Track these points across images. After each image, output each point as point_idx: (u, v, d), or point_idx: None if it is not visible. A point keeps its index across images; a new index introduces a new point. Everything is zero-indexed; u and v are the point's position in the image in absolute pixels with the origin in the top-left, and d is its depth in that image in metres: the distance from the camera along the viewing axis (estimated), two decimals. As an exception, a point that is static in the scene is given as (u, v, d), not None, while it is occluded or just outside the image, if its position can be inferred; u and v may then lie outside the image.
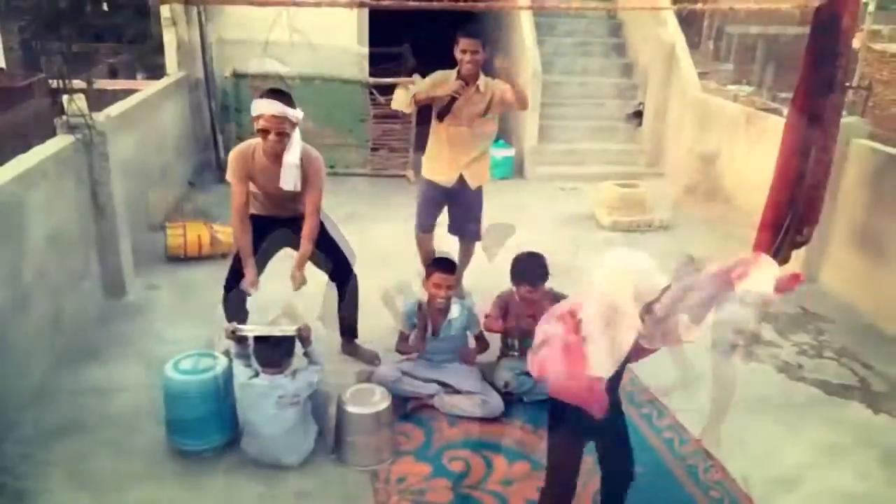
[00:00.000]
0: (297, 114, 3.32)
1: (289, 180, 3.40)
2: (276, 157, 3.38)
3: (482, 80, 4.19)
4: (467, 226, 4.46)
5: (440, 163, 4.31)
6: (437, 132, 4.28)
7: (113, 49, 16.00)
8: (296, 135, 3.40)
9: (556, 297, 3.65)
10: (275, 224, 3.62)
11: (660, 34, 7.99)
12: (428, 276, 3.53)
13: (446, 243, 4.59)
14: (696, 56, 7.84)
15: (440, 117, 4.18)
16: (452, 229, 4.53)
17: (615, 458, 2.56)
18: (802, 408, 3.70)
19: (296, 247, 3.63)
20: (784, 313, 4.77)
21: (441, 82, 4.18)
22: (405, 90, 4.21)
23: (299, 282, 3.51)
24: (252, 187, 3.53)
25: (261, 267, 3.63)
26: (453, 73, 4.18)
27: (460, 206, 4.42)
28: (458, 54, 4.07)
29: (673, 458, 3.22)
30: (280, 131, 3.29)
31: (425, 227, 4.46)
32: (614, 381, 2.36)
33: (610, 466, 2.60)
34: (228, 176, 3.48)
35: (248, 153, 3.45)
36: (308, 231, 3.54)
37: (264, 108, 3.26)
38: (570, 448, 2.48)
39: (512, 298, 3.64)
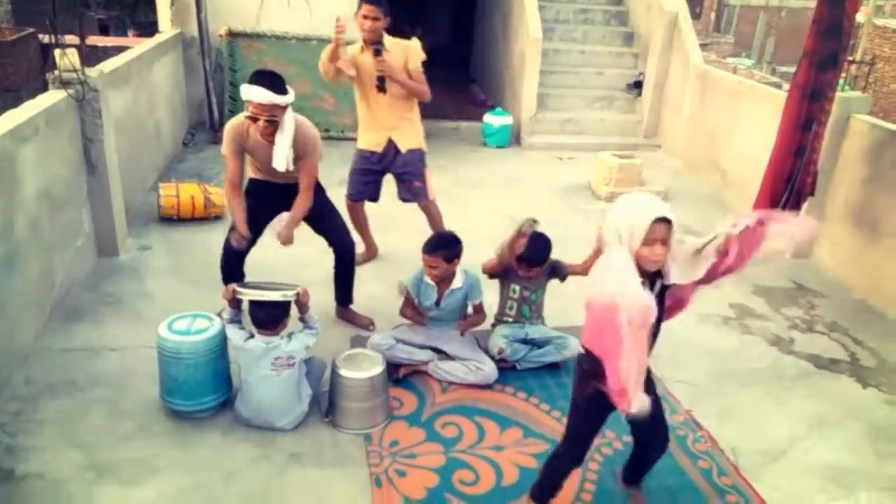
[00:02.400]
0: (287, 99, 3.26)
1: (280, 162, 3.38)
2: (270, 136, 3.35)
3: (389, 42, 4.13)
4: (409, 187, 4.45)
5: (367, 130, 4.32)
6: (359, 100, 4.28)
7: (104, 4, 15.69)
8: (288, 115, 3.34)
9: (554, 267, 3.65)
10: (273, 188, 3.60)
11: (662, 3, 7.88)
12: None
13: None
14: (696, 27, 7.73)
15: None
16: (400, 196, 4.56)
17: (652, 424, 2.42)
18: (792, 381, 3.73)
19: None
20: (777, 287, 4.79)
21: (351, 61, 4.13)
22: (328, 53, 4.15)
23: (285, 238, 3.51)
24: (251, 159, 3.53)
25: (259, 229, 3.63)
26: (356, 47, 4.16)
27: (395, 173, 4.42)
28: (358, 19, 4.03)
29: (663, 427, 3.25)
30: (269, 119, 3.25)
31: (355, 197, 4.48)
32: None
33: (646, 433, 2.56)
34: (223, 149, 3.46)
35: (243, 128, 3.40)
36: (302, 203, 3.55)
37: (252, 95, 3.19)
38: (597, 412, 2.43)
39: (505, 275, 3.63)
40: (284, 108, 3.30)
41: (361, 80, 4.18)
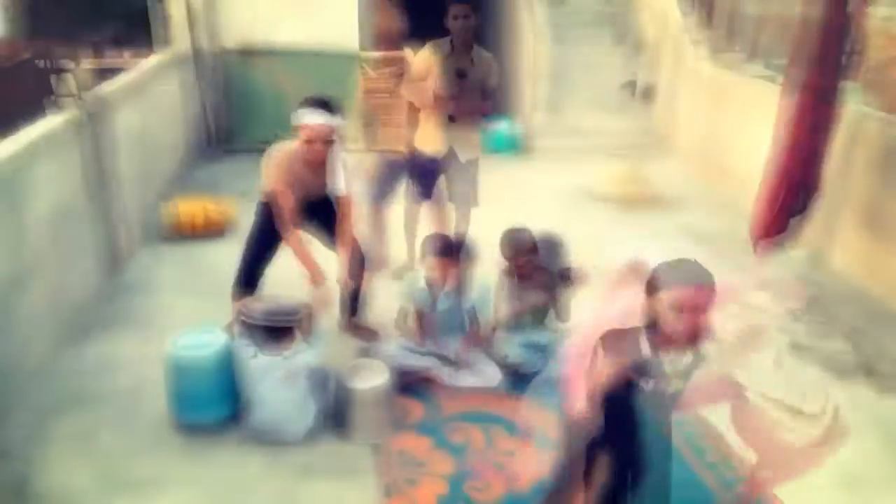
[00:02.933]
0: (341, 121, 3.31)
1: (340, 183, 3.40)
2: (319, 163, 3.35)
3: (476, 52, 4.15)
4: (461, 191, 4.52)
5: (430, 134, 4.32)
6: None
7: (99, 25, 15.82)
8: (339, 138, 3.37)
9: (548, 272, 3.65)
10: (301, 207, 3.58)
11: (673, 10, 7.87)
12: (422, 256, 3.51)
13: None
14: (709, 33, 7.72)
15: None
16: (450, 199, 4.61)
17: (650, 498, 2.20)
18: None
19: (311, 221, 3.62)
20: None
21: (429, 64, 4.13)
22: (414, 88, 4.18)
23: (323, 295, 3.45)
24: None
25: (273, 246, 3.61)
26: (443, 43, 4.12)
27: (450, 176, 4.47)
28: (449, 21, 4.02)
29: (678, 437, 3.22)
30: (326, 140, 3.27)
31: (416, 201, 4.55)
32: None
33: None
34: (273, 183, 3.34)
35: (288, 160, 3.36)
36: (347, 238, 3.54)
37: (309, 118, 3.22)
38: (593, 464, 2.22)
39: (509, 280, 3.63)
40: (338, 129, 3.32)
41: (439, 87, 4.12)
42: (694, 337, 1.86)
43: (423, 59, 4.20)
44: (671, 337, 1.86)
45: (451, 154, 4.34)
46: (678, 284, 1.77)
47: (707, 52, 7.46)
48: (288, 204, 3.34)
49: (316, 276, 3.40)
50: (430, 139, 4.33)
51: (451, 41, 4.11)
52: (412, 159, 4.44)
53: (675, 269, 1.79)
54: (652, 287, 1.80)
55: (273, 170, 3.36)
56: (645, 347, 1.93)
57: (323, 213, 3.59)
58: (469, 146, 4.37)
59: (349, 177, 3.49)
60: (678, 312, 1.78)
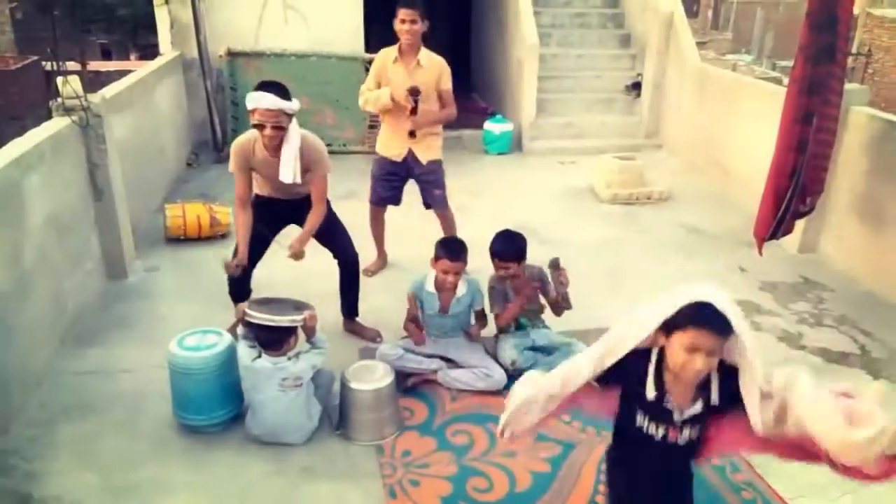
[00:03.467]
0: (292, 105, 3.29)
1: (287, 173, 3.40)
2: (276, 150, 3.37)
3: (423, 55, 4.18)
4: (431, 194, 4.53)
5: (389, 139, 4.38)
6: (384, 111, 4.31)
7: (104, 29, 15.86)
8: (293, 126, 3.37)
9: (542, 279, 3.65)
10: (278, 205, 3.65)
11: (657, 4, 7.91)
12: (436, 259, 3.50)
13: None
14: (693, 25, 7.75)
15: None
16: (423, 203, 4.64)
17: None
18: (803, 376, 3.72)
19: (300, 224, 3.67)
20: (784, 282, 4.79)
21: (381, 70, 4.23)
22: (366, 95, 4.29)
23: (296, 252, 3.52)
24: (257, 176, 3.56)
25: (266, 243, 3.67)
26: (392, 49, 4.20)
27: (418, 180, 4.50)
28: (396, 25, 4.06)
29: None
30: (276, 125, 3.27)
31: (378, 203, 4.58)
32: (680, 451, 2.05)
33: None
34: (231, 167, 3.49)
35: (249, 145, 3.44)
36: (315, 217, 3.58)
37: (258, 101, 3.22)
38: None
39: (498, 280, 3.63)
40: (290, 115, 3.32)
41: (393, 90, 4.18)
42: (698, 378, 1.89)
43: (375, 67, 4.28)
44: (678, 375, 1.89)
45: (410, 157, 4.37)
46: (695, 327, 1.78)
47: (699, 46, 7.46)
48: (238, 186, 3.50)
49: (241, 255, 3.49)
50: (389, 143, 4.39)
51: (399, 46, 4.15)
52: (374, 163, 4.53)
53: (694, 309, 1.79)
54: (670, 326, 1.82)
55: (231, 154, 3.47)
56: (651, 389, 1.94)
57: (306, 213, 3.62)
58: (429, 149, 4.39)
59: (321, 167, 3.52)
60: (688, 353, 1.81)
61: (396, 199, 4.60)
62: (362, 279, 3.99)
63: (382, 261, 4.81)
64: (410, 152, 4.36)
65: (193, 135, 7.48)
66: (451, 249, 3.47)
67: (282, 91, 3.27)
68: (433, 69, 4.19)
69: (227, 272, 3.55)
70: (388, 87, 4.18)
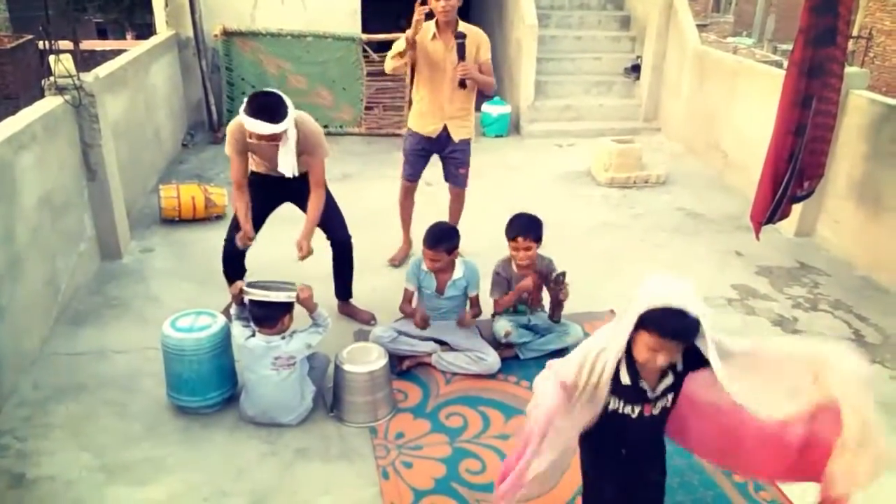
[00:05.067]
0: (285, 125, 3.22)
1: (287, 168, 3.38)
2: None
3: (463, 27, 4.13)
4: (455, 172, 4.49)
5: (425, 116, 4.32)
6: (421, 85, 4.27)
7: (100, 8, 15.69)
8: (290, 128, 3.29)
9: (547, 267, 3.63)
10: (274, 181, 3.61)
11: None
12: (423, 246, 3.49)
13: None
14: (695, 7, 7.68)
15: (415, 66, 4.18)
16: (445, 178, 4.59)
17: None
18: (797, 360, 3.72)
19: (296, 201, 3.65)
20: (779, 267, 4.78)
21: (426, 48, 4.14)
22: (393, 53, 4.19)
23: (306, 252, 3.50)
24: (254, 155, 3.54)
25: (261, 220, 3.66)
26: (430, 25, 4.14)
27: (445, 157, 4.46)
28: (431, 2, 4.01)
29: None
30: (270, 143, 3.27)
31: (413, 178, 4.54)
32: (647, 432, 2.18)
33: None
34: (226, 149, 3.46)
35: (245, 129, 3.37)
36: (315, 204, 3.55)
37: (253, 128, 3.17)
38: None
39: (506, 266, 3.62)
40: (285, 130, 3.28)
41: (430, 65, 4.14)
42: (660, 369, 2.00)
43: (419, 41, 4.17)
44: (644, 366, 2.00)
45: (444, 135, 4.34)
46: (656, 333, 1.88)
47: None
48: (234, 169, 3.47)
49: (246, 230, 3.46)
50: (423, 120, 4.32)
51: (437, 22, 4.10)
52: (407, 139, 4.46)
53: (661, 317, 1.87)
54: (639, 323, 1.90)
55: (228, 136, 3.44)
56: (625, 376, 2.02)
57: (306, 192, 3.59)
58: (463, 127, 4.36)
59: (319, 152, 3.49)
60: (652, 352, 1.91)
61: (420, 175, 4.56)
62: (357, 263, 3.97)
63: (408, 246, 4.71)
64: (445, 129, 4.31)
65: (189, 115, 7.43)
66: (430, 237, 3.46)
67: (274, 113, 3.18)
68: (472, 41, 4.12)
69: (237, 244, 3.51)
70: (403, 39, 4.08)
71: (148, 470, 2.84)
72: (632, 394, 2.06)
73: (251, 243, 3.53)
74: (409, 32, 4.00)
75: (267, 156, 3.46)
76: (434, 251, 3.42)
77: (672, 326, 1.86)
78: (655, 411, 2.11)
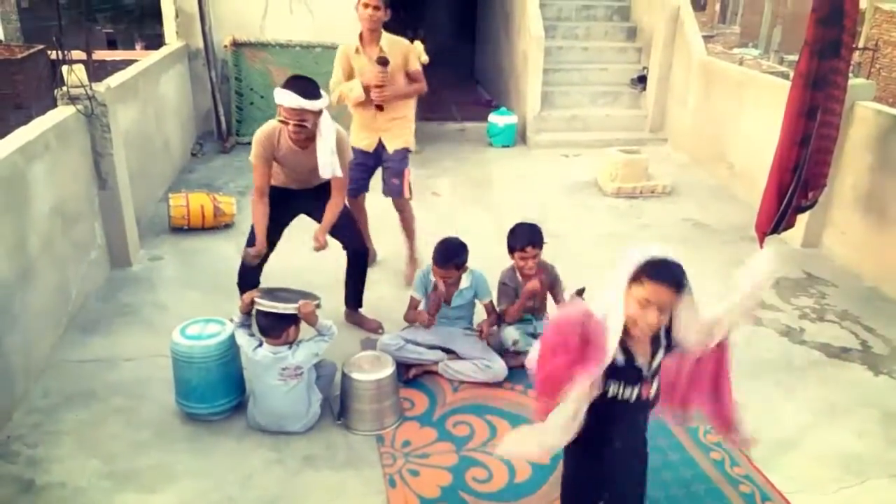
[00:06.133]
0: (317, 104, 3.26)
1: (326, 169, 3.41)
2: (304, 142, 3.37)
3: (385, 40, 4.13)
4: (388, 182, 4.44)
5: (360, 130, 4.32)
6: (354, 102, 4.23)
7: (110, 19, 15.84)
8: (326, 121, 3.35)
9: (550, 272, 3.65)
10: (291, 195, 3.65)
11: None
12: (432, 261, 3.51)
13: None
14: (701, 18, 7.72)
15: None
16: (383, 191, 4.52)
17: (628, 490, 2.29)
18: (803, 370, 3.73)
19: (311, 213, 3.70)
20: (786, 277, 4.78)
21: (345, 64, 4.17)
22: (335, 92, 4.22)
23: (322, 244, 3.54)
24: (276, 166, 3.55)
25: (278, 234, 3.68)
26: (351, 43, 4.16)
27: (383, 168, 4.42)
28: (359, 10, 4.01)
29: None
30: (299, 122, 3.27)
31: (354, 193, 4.42)
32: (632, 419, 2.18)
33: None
34: (252, 156, 3.45)
35: (274, 136, 3.42)
36: (335, 202, 3.58)
37: (283, 99, 3.22)
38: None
39: (512, 276, 3.64)
40: (315, 112, 3.30)
41: (362, 81, 4.16)
42: (652, 332, 1.99)
43: (339, 62, 4.22)
44: (633, 333, 1.98)
45: (380, 147, 4.34)
46: (650, 280, 1.88)
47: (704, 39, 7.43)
48: (258, 176, 3.45)
49: (259, 246, 3.47)
50: (360, 135, 4.33)
51: (360, 34, 4.12)
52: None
53: (654, 264, 1.89)
54: (630, 279, 1.91)
55: (255, 144, 3.44)
56: (619, 355, 2.00)
57: (322, 202, 3.62)
58: (398, 137, 4.34)
59: (343, 159, 3.51)
60: (644, 308, 1.90)
61: (365, 187, 4.50)
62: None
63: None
64: (380, 142, 4.33)
65: (198, 125, 7.49)
66: (440, 256, 3.45)
67: (307, 89, 3.24)
68: (398, 53, 4.13)
69: (245, 260, 3.55)
70: (359, 79, 4.11)
71: (156, 477, 2.86)
72: (628, 374, 2.04)
73: (257, 260, 3.54)
74: (357, 96, 4.09)
75: (293, 162, 3.46)
76: (444, 269, 3.43)
77: (668, 270, 1.88)
78: (652, 392, 2.10)
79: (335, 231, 3.79)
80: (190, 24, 7.21)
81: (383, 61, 4.01)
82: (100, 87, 4.24)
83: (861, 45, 14.13)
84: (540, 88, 7.89)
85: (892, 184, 4.55)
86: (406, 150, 4.42)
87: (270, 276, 3.87)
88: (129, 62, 7.17)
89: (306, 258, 3.87)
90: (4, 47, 11.76)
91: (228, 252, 3.91)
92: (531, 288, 3.50)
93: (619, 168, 6.32)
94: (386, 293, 4.30)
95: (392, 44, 4.15)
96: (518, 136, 7.93)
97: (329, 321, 3.19)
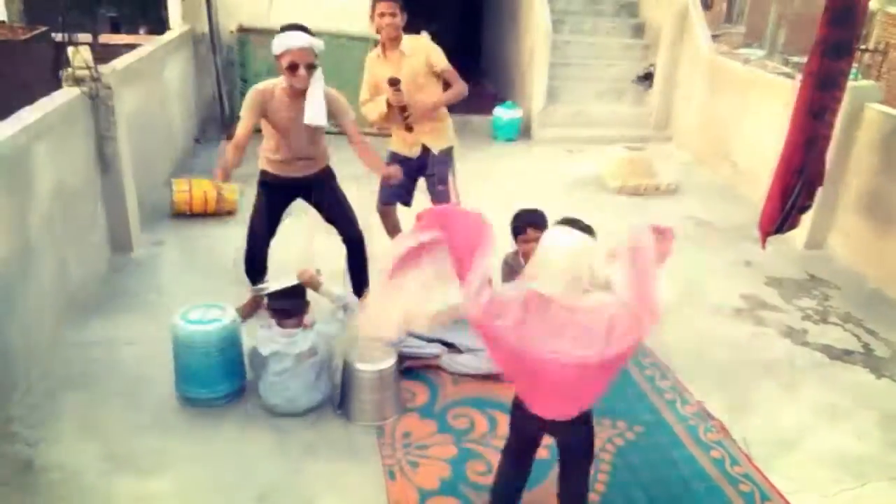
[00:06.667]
0: (320, 43, 3.35)
1: (318, 113, 3.37)
2: (301, 94, 3.37)
3: (405, 44, 3.96)
4: (434, 191, 4.25)
5: (401, 136, 4.13)
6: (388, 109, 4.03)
7: (114, 2, 15.76)
8: (318, 70, 3.39)
9: None
10: (287, 183, 3.64)
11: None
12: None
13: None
14: (707, 17, 7.69)
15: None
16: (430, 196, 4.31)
17: (570, 470, 2.45)
18: (805, 372, 3.72)
19: (307, 198, 3.70)
20: (789, 278, 4.77)
21: (371, 75, 4.04)
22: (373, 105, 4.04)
23: (391, 173, 3.64)
24: (271, 139, 3.52)
25: (276, 221, 3.67)
26: (375, 51, 4.06)
27: (427, 174, 4.23)
28: (375, 20, 3.90)
29: (675, 418, 3.26)
30: (309, 63, 3.30)
31: (384, 200, 4.29)
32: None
33: (565, 479, 2.47)
34: (243, 110, 3.42)
35: (269, 91, 3.42)
36: (366, 152, 3.58)
37: (290, 41, 3.25)
38: (520, 434, 2.46)
39: (514, 258, 3.62)
40: (317, 54, 3.36)
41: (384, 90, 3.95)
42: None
43: (367, 75, 4.08)
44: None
45: (425, 151, 4.15)
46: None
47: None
48: (243, 126, 3.37)
49: (226, 166, 3.33)
50: (400, 141, 4.17)
51: (381, 42, 3.98)
52: (390, 160, 4.18)
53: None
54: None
55: (248, 98, 3.43)
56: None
57: (319, 189, 3.63)
58: (440, 138, 4.17)
59: (342, 110, 3.52)
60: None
61: (408, 199, 4.30)
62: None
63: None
64: (424, 147, 4.14)
65: (202, 111, 7.45)
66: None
67: (307, 29, 3.34)
68: (419, 54, 3.96)
69: (219, 178, 3.35)
70: (384, 95, 3.93)
71: (155, 461, 2.85)
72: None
73: (224, 180, 3.38)
74: (382, 111, 3.95)
75: (285, 118, 3.43)
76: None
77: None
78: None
79: (330, 217, 3.80)
80: (196, 8, 7.16)
81: (394, 82, 3.81)
82: (105, 70, 4.21)
83: (871, 47, 14.08)
84: (545, 83, 7.85)
85: (899, 187, 4.54)
86: (450, 151, 4.24)
87: (274, 267, 3.85)
88: (132, 46, 7.12)
89: (310, 248, 3.85)
90: (8, 28, 11.68)
91: (230, 239, 3.89)
92: None
93: (623, 165, 6.30)
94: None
95: (412, 46, 3.98)
96: (522, 131, 7.90)
97: (343, 291, 3.23)
